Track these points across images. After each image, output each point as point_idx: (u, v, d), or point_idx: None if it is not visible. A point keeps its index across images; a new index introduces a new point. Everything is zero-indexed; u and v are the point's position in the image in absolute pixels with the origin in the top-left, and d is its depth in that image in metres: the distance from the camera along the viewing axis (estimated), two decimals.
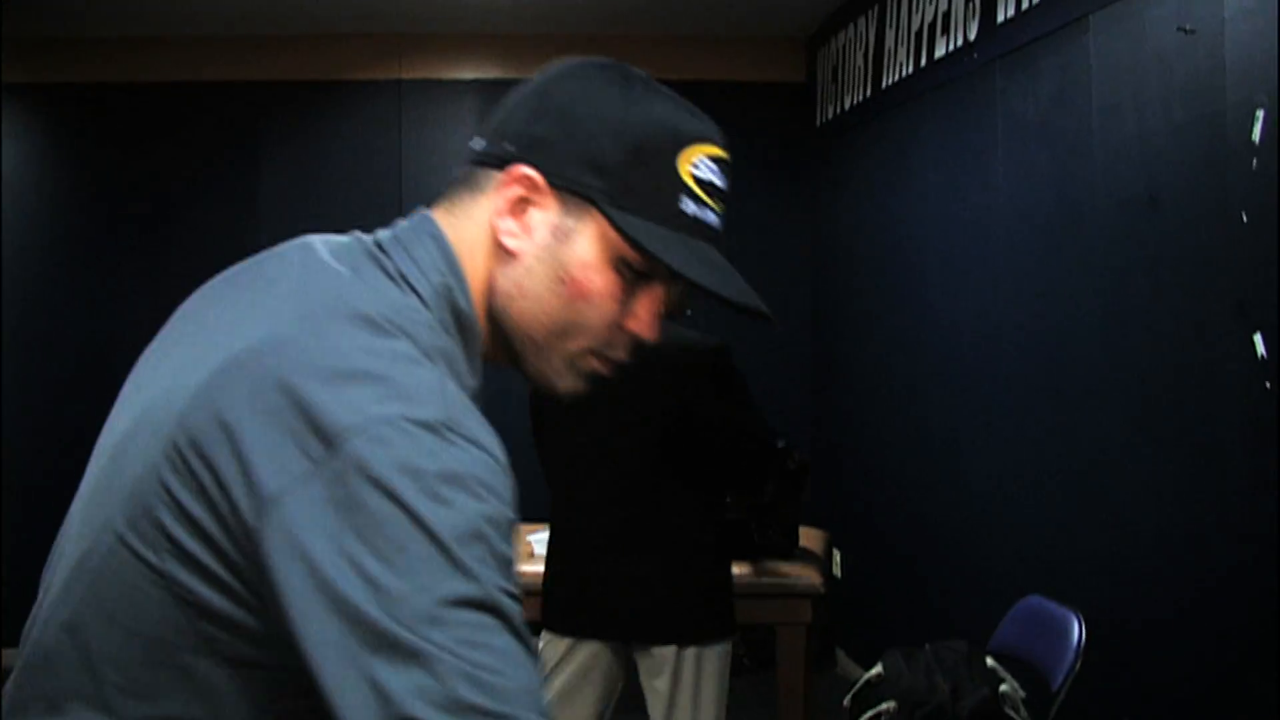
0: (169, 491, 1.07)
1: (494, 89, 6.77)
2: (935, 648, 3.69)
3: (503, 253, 1.26)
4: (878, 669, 3.76)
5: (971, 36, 4.65)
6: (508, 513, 1.06)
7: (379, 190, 6.74)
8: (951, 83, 4.87)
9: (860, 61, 5.94)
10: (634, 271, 1.24)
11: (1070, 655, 3.40)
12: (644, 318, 1.27)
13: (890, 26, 5.52)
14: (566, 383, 1.31)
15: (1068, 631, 3.45)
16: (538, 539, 4.44)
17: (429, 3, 6.16)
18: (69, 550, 1.17)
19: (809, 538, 4.48)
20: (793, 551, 4.12)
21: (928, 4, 5.08)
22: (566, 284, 1.24)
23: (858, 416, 6.07)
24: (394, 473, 1.01)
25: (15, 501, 6.24)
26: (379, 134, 6.77)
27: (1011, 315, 4.38)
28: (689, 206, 1.23)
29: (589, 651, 3.53)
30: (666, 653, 3.45)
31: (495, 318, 1.28)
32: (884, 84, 5.61)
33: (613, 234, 1.22)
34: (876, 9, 5.69)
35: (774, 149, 6.83)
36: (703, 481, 3.47)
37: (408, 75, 6.77)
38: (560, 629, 3.57)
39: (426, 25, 6.59)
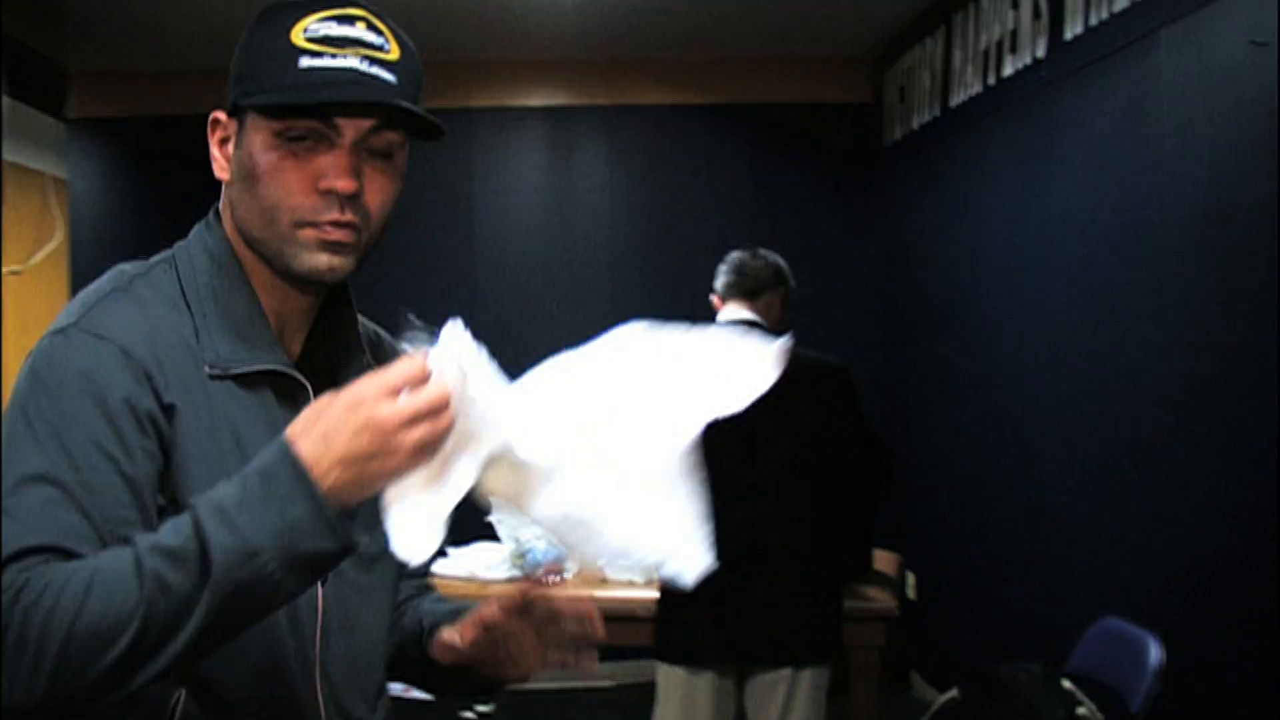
0: None
1: (562, 115, 6.81)
2: (1011, 670, 3.65)
3: (224, 187, 1.52)
4: (953, 693, 3.73)
5: (1040, 54, 4.62)
6: (113, 390, 1.32)
7: (450, 217, 6.80)
8: (1020, 101, 4.84)
9: (928, 81, 5.92)
10: (292, 139, 1.41)
11: (1149, 678, 3.36)
12: (331, 174, 1.40)
13: (958, 46, 5.50)
14: (315, 259, 1.44)
15: (1146, 653, 3.40)
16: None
17: (497, 30, 6.21)
18: None
19: (882, 560, 4.46)
20: (867, 574, 4.10)
21: (996, 23, 5.06)
22: (249, 176, 1.43)
23: (928, 437, 6.03)
24: (22, 376, 1.34)
25: None
26: (449, 161, 6.82)
27: (1083, 333, 4.34)
28: (304, 61, 1.40)
29: (704, 681, 3.51)
30: (780, 676, 3.43)
31: (241, 239, 1.50)
32: (952, 103, 5.58)
33: (261, 119, 1.42)
34: (944, 29, 5.68)
35: (842, 169, 6.82)
36: (826, 502, 3.45)
37: (476, 103, 6.82)
38: (676, 659, 3.55)
39: (495, 52, 6.64)
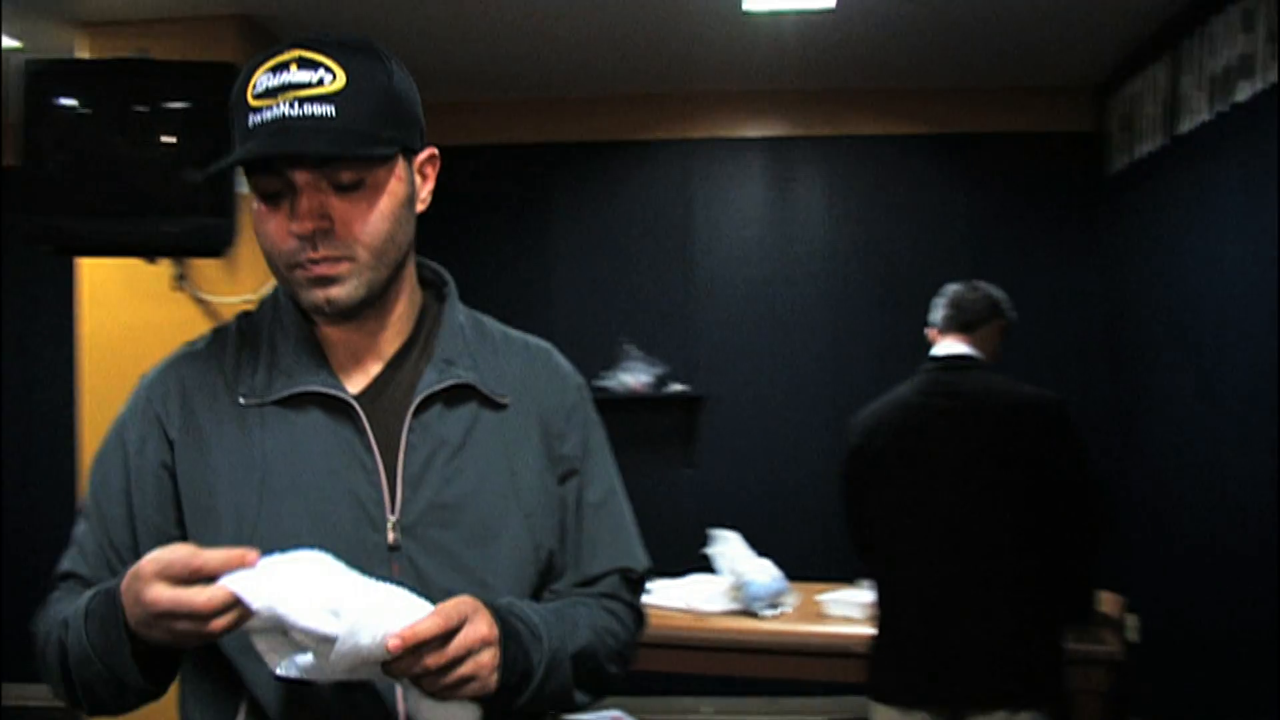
0: None
1: (781, 147, 6.82)
2: None
3: None
4: None
5: (1275, 79, 4.46)
6: (130, 435, 1.62)
7: (667, 248, 6.85)
8: (1254, 128, 4.69)
9: (1153, 108, 5.77)
10: (266, 193, 1.52)
11: None
12: (294, 221, 1.50)
13: (1186, 71, 5.35)
14: (312, 296, 1.54)
15: None
16: (832, 599, 4.42)
17: (715, 62, 6.25)
18: None
19: (1104, 601, 4.35)
20: (1090, 619, 4.00)
21: (1227, 46, 4.91)
22: (254, 230, 1.57)
23: (1155, 474, 5.86)
24: None
25: None
26: (667, 193, 6.88)
27: None
28: (253, 119, 1.48)
29: None
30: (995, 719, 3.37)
31: None
32: (1179, 131, 5.43)
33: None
34: (1171, 53, 5.53)
35: (1063, 200, 6.69)
36: (1044, 544, 3.39)
37: (695, 134, 6.87)
38: (889, 698, 3.52)
39: (713, 84, 6.68)
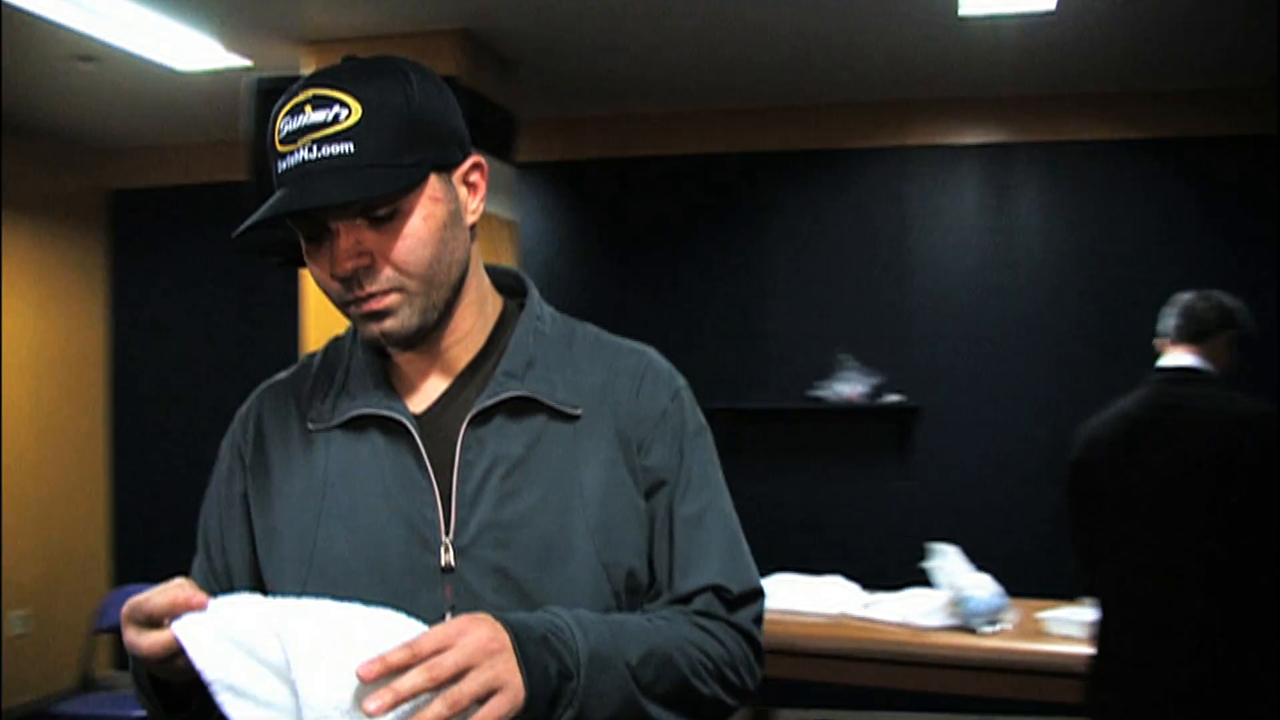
0: None
1: (997, 153, 6.68)
2: None
3: None
4: None
5: None
6: (222, 461, 1.68)
7: (883, 258, 6.77)
8: None
9: None
10: (308, 236, 1.52)
11: None
12: (333, 264, 1.48)
13: None
14: (368, 330, 1.53)
15: None
16: (1054, 616, 4.31)
17: (931, 68, 6.15)
18: None
19: None
20: None
21: None
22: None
23: None
24: None
25: None
26: (881, 201, 6.81)
27: None
28: (280, 166, 1.47)
29: None
30: None
31: None
32: None
33: None
34: None
35: (1249, 206, 6.40)
36: (1266, 564, 3.24)
37: (910, 142, 6.78)
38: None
39: (928, 90, 6.59)
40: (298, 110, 1.46)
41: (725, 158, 6.96)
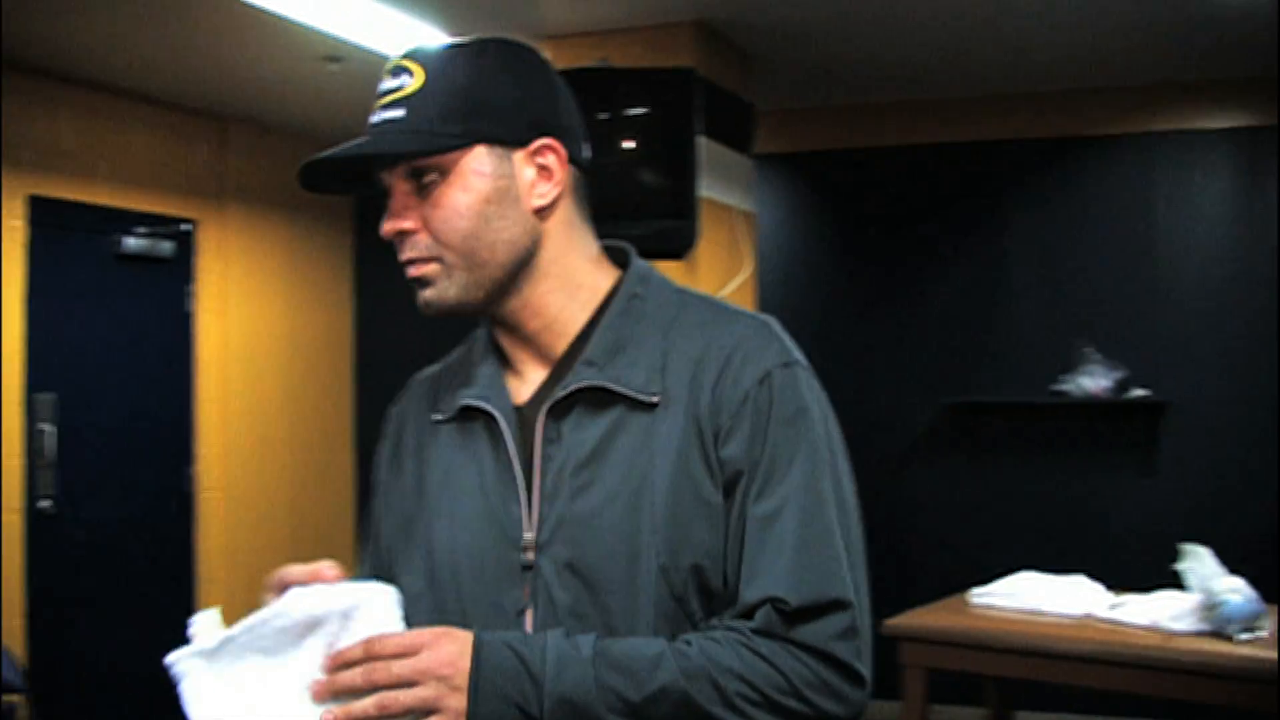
0: None
1: (1248, 138, 6.39)
2: None
3: None
4: None
5: None
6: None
7: (1128, 248, 6.55)
8: None
9: None
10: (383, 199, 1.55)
11: None
12: (383, 225, 1.54)
13: None
14: (417, 299, 1.58)
15: None
16: None
17: (1177, 51, 5.92)
18: None
19: None
20: None
21: None
22: None
23: None
24: None
25: None
26: (1126, 188, 6.58)
27: None
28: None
29: None
30: None
31: None
32: None
33: None
34: None
35: None
36: None
37: (1156, 128, 6.54)
38: None
39: (1174, 74, 6.34)
40: (384, 76, 1.54)
41: (963, 146, 6.82)
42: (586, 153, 1.60)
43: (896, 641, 4.34)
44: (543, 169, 1.54)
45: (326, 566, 1.48)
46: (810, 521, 1.46)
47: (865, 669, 1.46)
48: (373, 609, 1.43)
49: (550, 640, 1.41)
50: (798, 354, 1.58)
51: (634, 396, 1.50)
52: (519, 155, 1.52)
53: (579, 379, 1.52)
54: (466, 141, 1.50)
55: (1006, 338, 6.68)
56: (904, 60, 6.09)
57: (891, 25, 5.52)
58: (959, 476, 6.72)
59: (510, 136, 1.52)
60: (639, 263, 1.64)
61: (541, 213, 1.54)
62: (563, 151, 1.54)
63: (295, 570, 1.48)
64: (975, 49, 5.90)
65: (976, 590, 4.53)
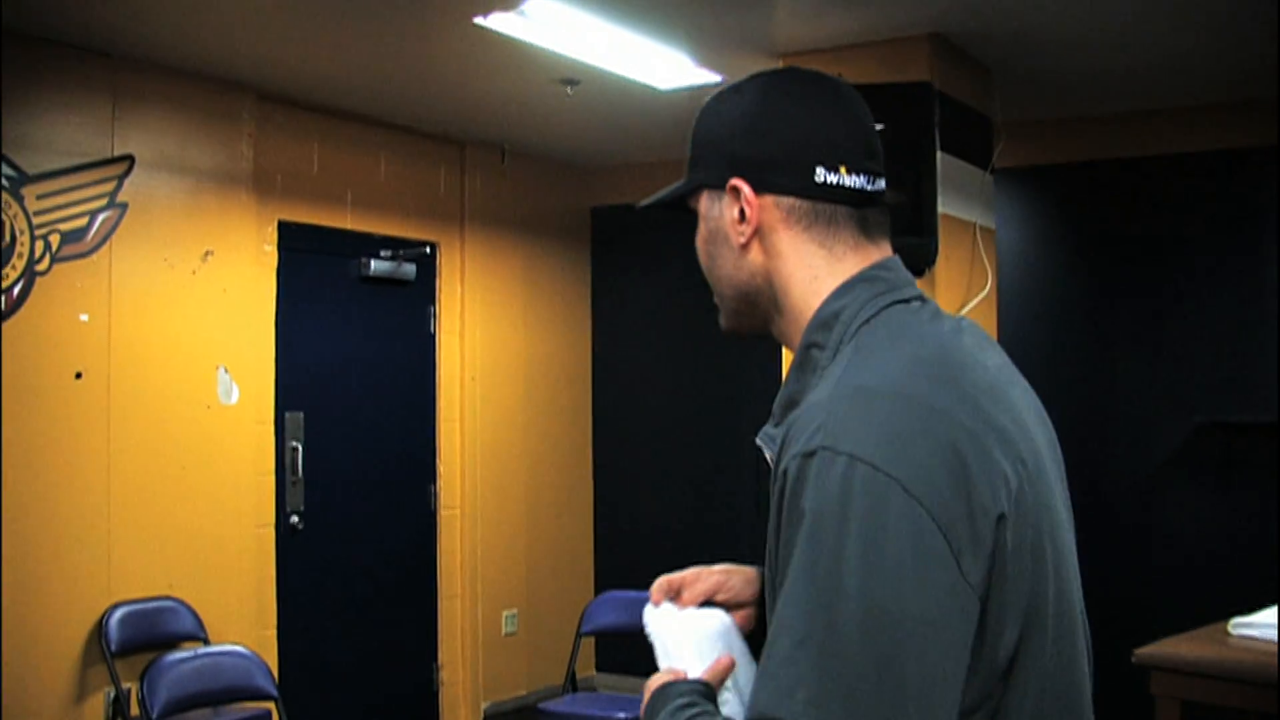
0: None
1: None
2: None
3: None
4: None
5: None
6: None
7: None
8: None
9: None
10: None
11: None
12: None
13: None
14: None
15: None
16: None
17: None
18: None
19: None
20: None
21: None
22: None
23: None
24: None
25: None
26: None
27: None
28: None
29: None
30: None
31: None
32: None
33: None
34: None
35: None
36: None
37: None
38: None
39: None
40: None
41: (1211, 155, 6.52)
42: (830, 175, 1.48)
43: (1149, 671, 4.16)
44: (736, 211, 1.52)
45: (710, 570, 1.61)
46: (779, 635, 1.28)
47: None
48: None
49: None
50: (841, 437, 1.29)
51: (770, 456, 1.44)
52: (726, 196, 1.53)
53: (760, 433, 1.52)
54: (689, 188, 1.57)
55: (1261, 354, 6.36)
56: (1145, 67, 5.86)
57: (1131, 33, 5.30)
58: (1211, 500, 6.43)
59: (713, 179, 1.54)
60: (834, 303, 1.48)
61: (747, 248, 1.52)
62: (746, 188, 1.49)
63: (683, 574, 1.61)
64: (1216, 53, 5.63)
65: (1237, 620, 4.31)
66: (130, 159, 5.45)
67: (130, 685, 5.05)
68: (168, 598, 5.50)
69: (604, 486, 8.20)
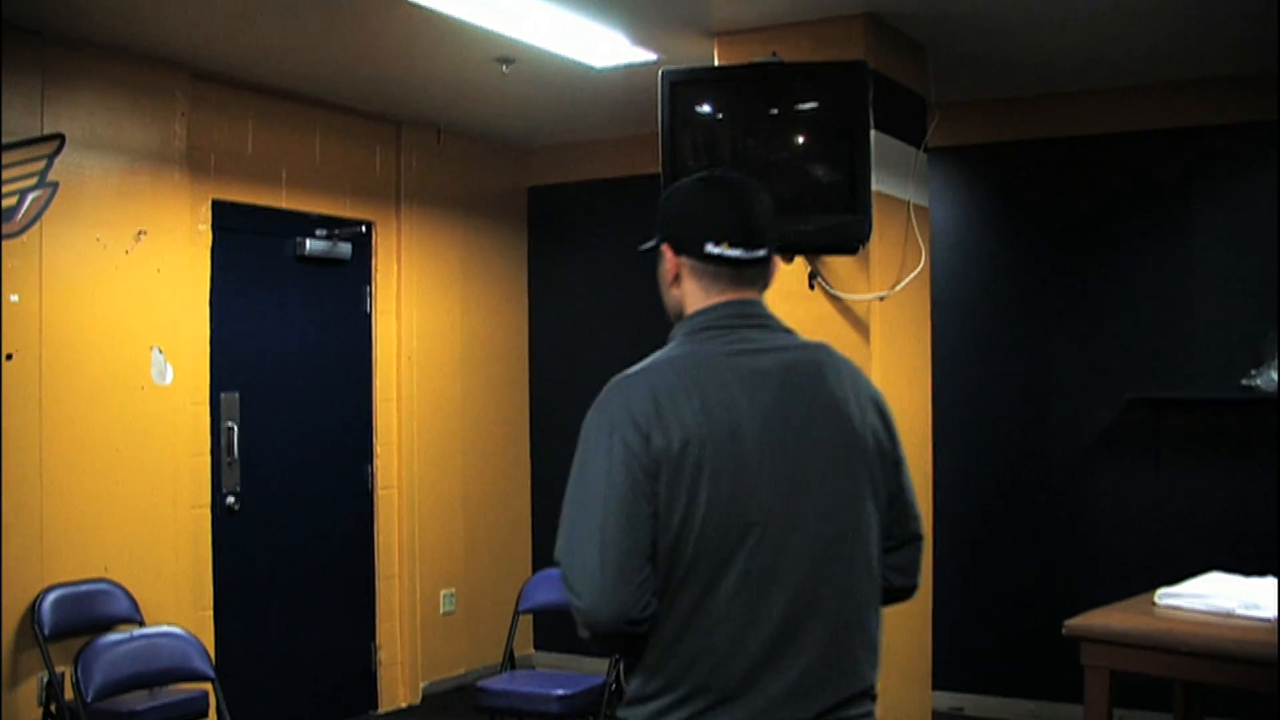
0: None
1: None
2: None
3: None
4: None
5: None
6: None
7: None
8: None
9: None
10: None
11: None
12: None
13: None
14: None
15: None
16: None
17: None
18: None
19: None
20: None
21: None
22: None
23: None
24: None
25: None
26: None
27: None
28: None
29: None
30: None
31: None
32: None
33: None
34: None
35: None
36: None
37: None
38: None
39: None
40: None
41: (1143, 136, 6.59)
42: (713, 248, 2.31)
43: (1079, 642, 4.22)
44: (669, 261, 2.38)
45: None
46: (566, 507, 2.24)
47: (574, 588, 2.14)
48: None
49: None
50: (606, 390, 2.32)
51: None
52: (665, 252, 2.38)
53: None
54: (657, 244, 2.41)
55: (1192, 331, 6.46)
56: (1077, 48, 5.92)
57: (1064, 14, 5.35)
58: (1143, 474, 6.52)
59: (659, 241, 2.40)
60: (688, 321, 2.37)
61: (672, 284, 2.39)
62: (669, 251, 2.37)
63: None
64: (1152, 33, 5.69)
65: (1163, 590, 4.38)
66: (60, 138, 5.39)
67: (64, 669, 5.01)
68: (102, 580, 5.47)
69: (541, 464, 8.21)
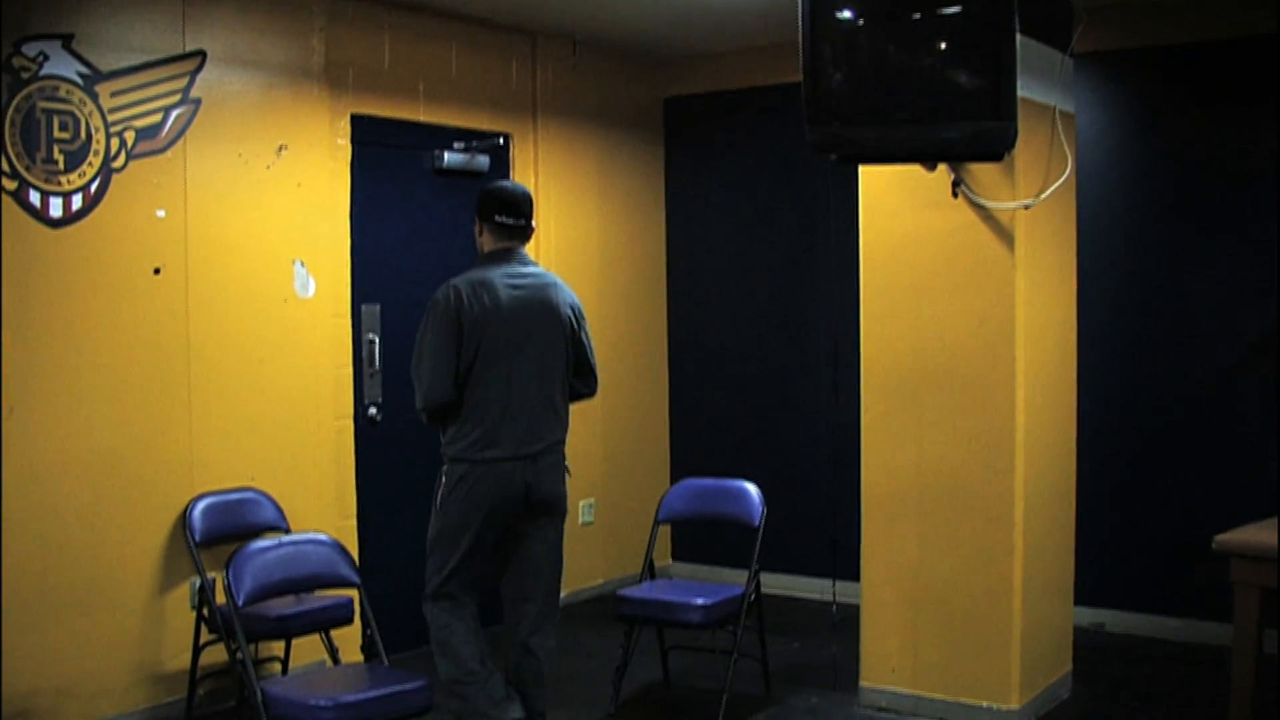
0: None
1: None
2: None
3: None
4: None
5: None
6: None
7: None
8: None
9: None
10: None
11: None
12: None
13: None
14: None
15: None
16: None
17: None
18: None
19: None
20: None
21: None
22: None
23: None
24: None
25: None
26: None
27: None
28: None
29: None
30: None
31: None
32: None
33: None
34: None
35: None
36: None
37: None
38: None
39: None
40: None
41: None
42: (499, 219, 4.75)
43: (1229, 559, 4.11)
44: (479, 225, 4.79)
45: None
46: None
47: (419, 389, 4.70)
48: None
49: None
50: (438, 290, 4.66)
51: None
52: (478, 221, 4.77)
53: None
54: (475, 217, 4.81)
55: None
56: None
57: None
58: None
59: (476, 214, 4.78)
60: (481, 258, 4.80)
61: (479, 238, 4.79)
62: (479, 219, 4.76)
63: None
64: None
65: None
66: (202, 54, 5.45)
67: (215, 575, 5.15)
68: (249, 489, 5.61)
69: (678, 375, 8.21)
